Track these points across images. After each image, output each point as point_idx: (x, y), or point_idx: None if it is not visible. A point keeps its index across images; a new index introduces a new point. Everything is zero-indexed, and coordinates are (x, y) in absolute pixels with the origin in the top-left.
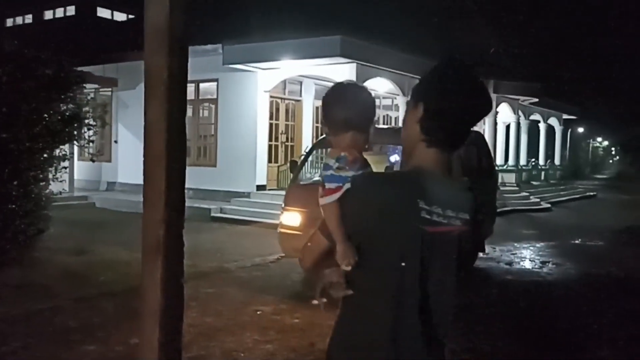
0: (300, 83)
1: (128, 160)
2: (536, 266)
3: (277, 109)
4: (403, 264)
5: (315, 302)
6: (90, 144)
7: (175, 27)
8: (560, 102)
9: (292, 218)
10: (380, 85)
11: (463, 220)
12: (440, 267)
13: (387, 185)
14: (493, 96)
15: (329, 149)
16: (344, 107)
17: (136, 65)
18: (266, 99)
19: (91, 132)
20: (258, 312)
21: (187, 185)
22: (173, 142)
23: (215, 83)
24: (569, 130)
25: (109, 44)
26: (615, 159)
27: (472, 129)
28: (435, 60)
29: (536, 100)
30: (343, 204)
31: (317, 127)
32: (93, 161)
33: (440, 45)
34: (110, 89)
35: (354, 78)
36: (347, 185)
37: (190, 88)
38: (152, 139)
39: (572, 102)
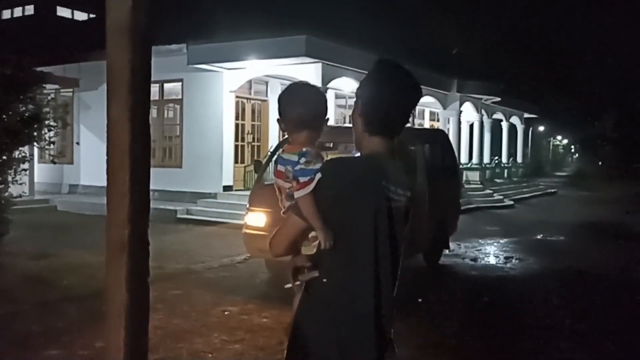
0: (267, 83)
1: (90, 162)
2: (500, 262)
3: (243, 109)
4: (378, 237)
5: (288, 285)
6: (51, 145)
7: (138, 24)
8: (521, 101)
9: (257, 218)
10: (345, 85)
11: (407, 197)
12: (398, 238)
13: (356, 167)
14: (456, 95)
15: (285, 146)
16: (299, 107)
17: (98, 66)
18: (232, 99)
19: (52, 134)
20: (226, 313)
21: (152, 187)
22: (137, 141)
23: (180, 83)
24: (530, 128)
25: (70, 43)
26: (574, 156)
27: (408, 119)
28: (399, 59)
29: (498, 99)
30: (316, 193)
31: None
32: (54, 163)
33: (404, 45)
34: (71, 90)
35: (319, 78)
36: (319, 176)
37: (155, 88)
38: (116, 138)
39: (533, 101)
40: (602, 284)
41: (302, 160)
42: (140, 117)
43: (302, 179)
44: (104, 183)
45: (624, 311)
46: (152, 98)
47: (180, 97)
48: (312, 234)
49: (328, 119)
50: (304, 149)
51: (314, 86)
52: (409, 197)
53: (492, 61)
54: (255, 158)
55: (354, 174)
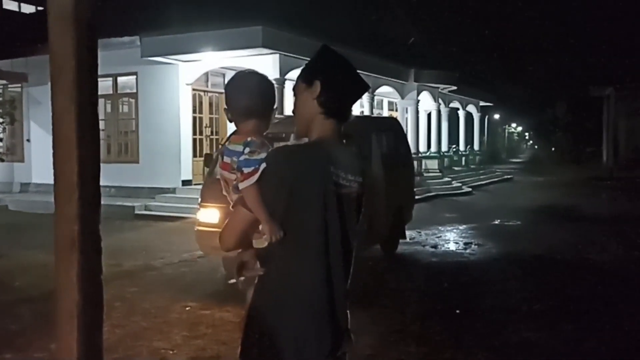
0: (224, 75)
1: (42, 160)
2: (460, 248)
3: (201, 102)
4: (328, 225)
5: (232, 281)
6: (0, 142)
7: (81, 11)
8: (477, 90)
9: (209, 214)
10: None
11: (358, 182)
12: (349, 225)
13: (302, 154)
14: (414, 85)
15: (232, 136)
16: (246, 96)
17: (47, 60)
18: (188, 92)
19: None
20: (187, 309)
21: (108, 183)
22: (84, 133)
23: (134, 76)
24: (486, 116)
25: (17, 37)
26: (529, 143)
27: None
28: (356, 49)
29: (455, 88)
30: (261, 184)
31: None
32: (3, 161)
33: (362, 35)
34: (19, 85)
35: (277, 69)
36: (263, 166)
37: (108, 82)
38: (61, 130)
39: (488, 90)
40: (557, 265)
41: (247, 150)
42: (87, 108)
43: (246, 170)
44: None
45: (579, 291)
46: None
47: (134, 90)
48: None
49: (276, 108)
50: (249, 139)
51: (260, 74)
52: (361, 182)
53: (448, 50)
54: (206, 151)
55: (299, 161)
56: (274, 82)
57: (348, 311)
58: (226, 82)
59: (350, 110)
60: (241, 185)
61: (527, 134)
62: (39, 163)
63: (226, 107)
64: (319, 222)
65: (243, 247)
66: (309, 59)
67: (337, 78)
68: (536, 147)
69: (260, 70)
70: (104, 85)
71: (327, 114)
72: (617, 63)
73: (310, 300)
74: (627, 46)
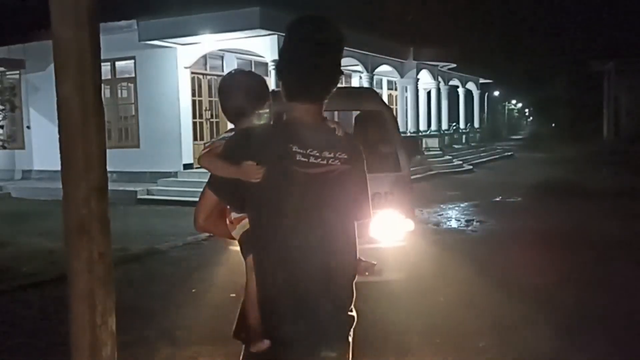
0: (222, 58)
1: (43, 146)
2: (462, 225)
3: (200, 85)
4: (293, 203)
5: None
6: (0, 130)
7: None
8: (476, 67)
9: None
10: None
11: (342, 159)
12: (334, 206)
13: (259, 134)
14: (413, 63)
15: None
16: (234, 98)
17: (45, 46)
18: (187, 75)
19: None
20: (193, 290)
21: (110, 168)
22: (89, 118)
23: (132, 61)
24: (486, 94)
25: (13, 23)
26: (529, 119)
27: (331, 80)
28: (355, 28)
29: (454, 65)
30: (222, 158)
31: None
32: (4, 148)
33: (360, 14)
34: (17, 72)
35: (275, 50)
36: (219, 142)
37: (106, 67)
38: (67, 116)
39: (488, 67)
40: (557, 240)
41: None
42: (91, 93)
43: (207, 146)
44: (59, 167)
45: (578, 266)
46: (104, 77)
47: (133, 75)
48: (234, 215)
49: (269, 102)
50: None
51: (247, 73)
52: (345, 158)
53: (447, 28)
54: (208, 136)
55: (257, 141)
56: (270, 66)
57: (348, 308)
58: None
59: (321, 89)
60: (201, 160)
61: (527, 110)
62: (40, 150)
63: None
64: (283, 202)
65: (217, 231)
66: None
67: (288, 61)
68: (536, 123)
69: (259, 52)
70: (102, 70)
71: (287, 98)
72: (617, 37)
73: (286, 284)
74: (626, 20)
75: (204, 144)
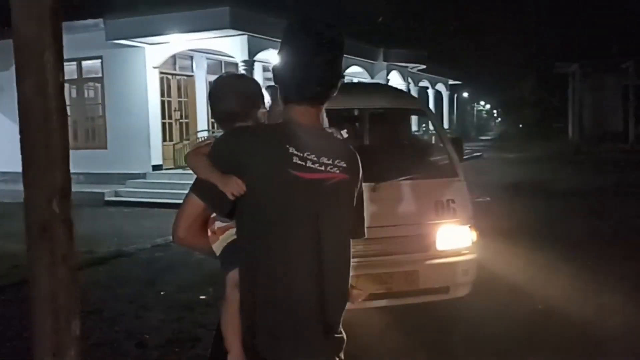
0: (191, 58)
1: (5, 147)
2: None
3: (169, 86)
4: (288, 211)
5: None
6: None
7: None
8: (445, 68)
9: None
10: (274, 57)
11: (341, 167)
12: (329, 218)
13: (254, 134)
14: (383, 64)
15: None
16: (226, 103)
17: (7, 45)
18: (156, 75)
19: None
20: (162, 293)
21: (76, 170)
22: (51, 117)
23: (99, 60)
24: (455, 95)
25: None
26: (497, 120)
27: (331, 81)
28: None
29: (424, 67)
30: (212, 159)
31: None
32: None
33: (331, 14)
34: None
35: (245, 50)
36: (209, 140)
37: (72, 67)
38: (28, 116)
39: (456, 68)
40: (525, 239)
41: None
42: (53, 92)
43: (198, 143)
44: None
45: (548, 264)
46: (70, 77)
47: (100, 75)
48: (218, 224)
49: (262, 106)
50: None
51: (240, 77)
52: (344, 167)
53: (417, 29)
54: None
55: (250, 140)
56: (241, 66)
57: (335, 327)
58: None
59: (320, 91)
60: (187, 160)
61: (495, 111)
62: (3, 151)
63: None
64: (275, 208)
65: (197, 240)
66: (278, 40)
67: (283, 63)
68: (505, 124)
69: (229, 52)
70: (68, 70)
71: (284, 100)
72: (581, 40)
73: (276, 297)
74: (591, 23)
75: (199, 141)
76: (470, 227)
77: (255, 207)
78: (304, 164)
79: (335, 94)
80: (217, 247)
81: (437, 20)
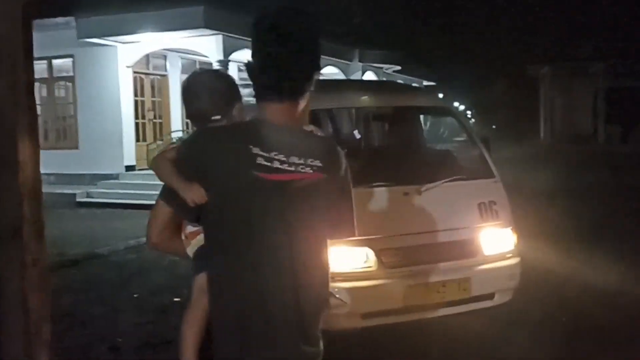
0: (165, 57)
1: None
2: None
3: (142, 85)
4: (253, 214)
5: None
6: None
7: None
8: (420, 69)
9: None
10: (249, 57)
11: (315, 167)
12: (301, 220)
13: (218, 135)
14: (359, 65)
15: None
16: (199, 101)
17: None
18: (129, 74)
19: None
20: (135, 295)
21: (48, 170)
22: (21, 117)
23: (70, 59)
24: None
25: None
26: (471, 121)
27: (300, 75)
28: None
29: (399, 68)
30: (177, 164)
31: None
32: None
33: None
34: None
35: (220, 50)
36: (175, 145)
37: (43, 66)
38: None
39: (431, 69)
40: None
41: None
42: (24, 92)
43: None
44: None
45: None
46: (40, 76)
47: (71, 74)
48: (190, 229)
49: (237, 104)
50: None
51: (214, 73)
52: (320, 167)
53: (392, 30)
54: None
55: (215, 142)
56: (215, 66)
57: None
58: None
59: (289, 85)
60: (152, 165)
61: (468, 112)
62: None
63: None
64: (240, 213)
65: (171, 244)
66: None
67: (252, 60)
68: (478, 125)
69: (204, 52)
70: (39, 69)
71: (256, 97)
72: (552, 43)
73: (240, 313)
74: (562, 27)
75: (172, 142)
76: (512, 229)
77: (219, 213)
78: (269, 164)
79: (310, 89)
80: (190, 251)
81: (413, 22)
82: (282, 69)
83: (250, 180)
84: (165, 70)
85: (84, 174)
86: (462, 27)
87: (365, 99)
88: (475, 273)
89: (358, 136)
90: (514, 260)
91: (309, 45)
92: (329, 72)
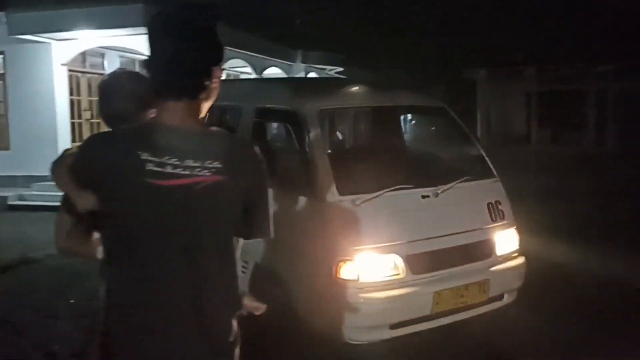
0: (103, 55)
1: None
2: None
3: (78, 84)
4: (141, 224)
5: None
6: None
7: None
8: (362, 71)
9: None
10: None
11: (214, 169)
12: (201, 225)
13: (106, 141)
14: (301, 66)
15: None
16: (115, 103)
17: None
18: (64, 73)
19: None
20: (71, 301)
21: None
22: None
23: (1, 56)
24: None
25: None
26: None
27: (196, 71)
28: (244, 30)
29: (341, 69)
30: (75, 174)
31: None
32: None
33: (250, 16)
34: None
35: None
36: (71, 150)
37: None
38: None
39: (373, 71)
40: None
41: None
42: None
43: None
44: None
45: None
46: None
47: (2, 71)
48: (97, 234)
49: (153, 106)
50: None
51: (131, 74)
52: (219, 168)
53: (334, 32)
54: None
55: (103, 149)
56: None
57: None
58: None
59: (185, 82)
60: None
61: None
62: None
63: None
64: (133, 221)
65: (81, 247)
66: None
67: (144, 61)
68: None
69: (143, 50)
70: None
71: (154, 96)
72: (487, 48)
73: (136, 328)
74: (497, 32)
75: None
76: (515, 228)
77: (110, 221)
78: (162, 170)
79: (214, 85)
80: (100, 254)
81: (353, 24)
82: (177, 64)
83: (141, 187)
84: (103, 68)
85: (16, 176)
86: (404, 30)
87: (373, 98)
88: (493, 274)
89: (340, 137)
90: (520, 260)
91: (205, 39)
92: (272, 72)
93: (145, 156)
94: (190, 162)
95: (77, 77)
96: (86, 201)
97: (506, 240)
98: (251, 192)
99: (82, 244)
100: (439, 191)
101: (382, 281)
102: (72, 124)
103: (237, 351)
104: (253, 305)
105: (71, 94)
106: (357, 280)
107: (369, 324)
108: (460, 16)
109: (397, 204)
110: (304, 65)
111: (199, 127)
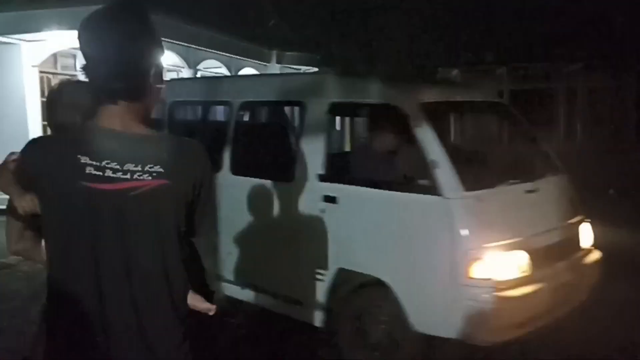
0: (74, 57)
1: None
2: None
3: (50, 86)
4: (80, 229)
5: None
6: None
7: None
8: (336, 71)
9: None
10: (163, 58)
11: (155, 173)
12: (141, 230)
13: (46, 145)
14: (276, 67)
15: None
16: (61, 113)
17: None
18: (35, 74)
19: None
20: None
21: None
22: None
23: None
24: None
25: None
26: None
27: (137, 72)
28: (218, 31)
29: (316, 69)
30: (18, 177)
31: None
32: None
33: (224, 16)
34: None
35: None
36: (13, 157)
37: None
38: None
39: (348, 72)
40: None
41: None
42: None
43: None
44: None
45: None
46: None
47: None
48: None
49: (91, 111)
50: None
51: (79, 85)
52: (161, 172)
53: (309, 33)
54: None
55: (43, 153)
56: None
57: None
58: None
59: (118, 85)
60: None
61: None
62: None
63: None
64: (71, 226)
65: (33, 251)
66: (168, 40)
67: (84, 58)
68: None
69: None
70: None
71: (93, 99)
72: (460, 47)
73: (68, 336)
74: (469, 32)
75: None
76: (589, 222)
77: (51, 224)
78: (101, 174)
79: (156, 86)
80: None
81: (329, 25)
82: (110, 67)
83: (80, 191)
84: (75, 70)
85: None
86: (378, 31)
87: (448, 93)
88: (585, 267)
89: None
90: (598, 253)
91: (140, 40)
92: (247, 73)
93: (84, 160)
94: (130, 167)
95: (49, 79)
96: (26, 203)
97: (586, 234)
98: (196, 194)
99: (33, 247)
100: (540, 185)
101: (514, 279)
102: (44, 127)
103: None
104: (203, 307)
105: (42, 95)
106: (491, 279)
107: (503, 323)
108: (431, 16)
109: (509, 199)
110: (278, 65)
111: (140, 131)
